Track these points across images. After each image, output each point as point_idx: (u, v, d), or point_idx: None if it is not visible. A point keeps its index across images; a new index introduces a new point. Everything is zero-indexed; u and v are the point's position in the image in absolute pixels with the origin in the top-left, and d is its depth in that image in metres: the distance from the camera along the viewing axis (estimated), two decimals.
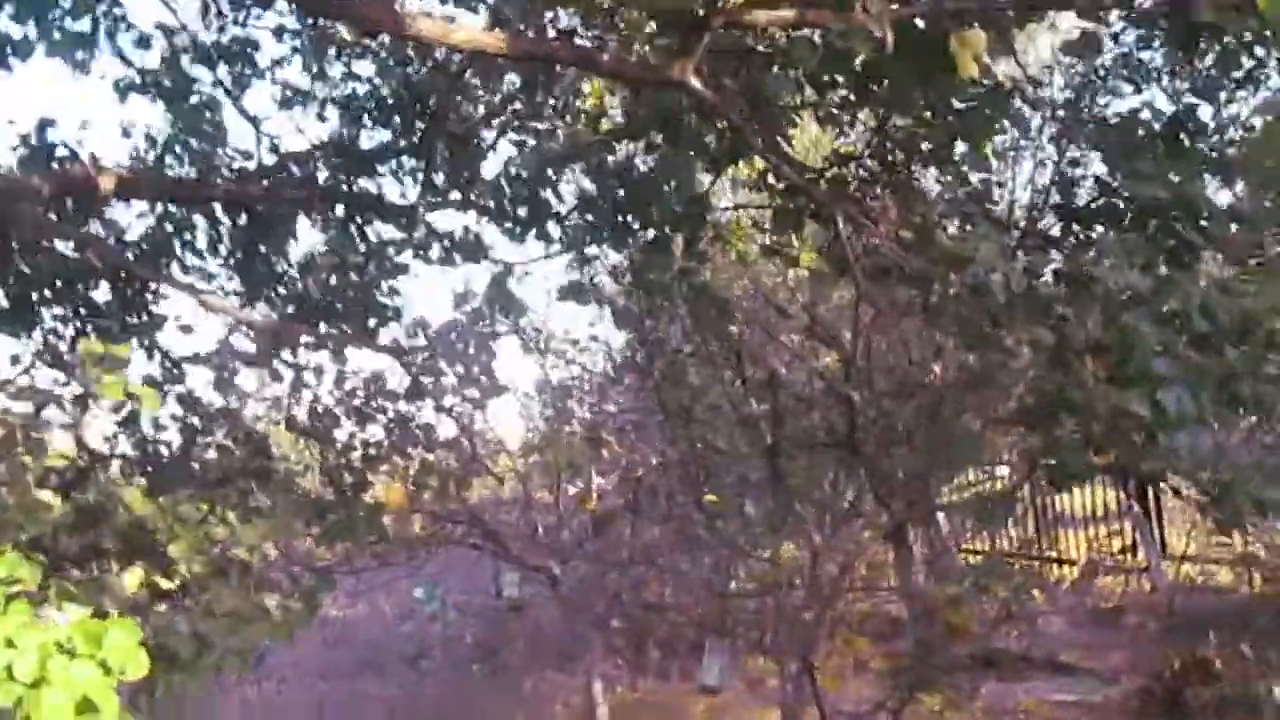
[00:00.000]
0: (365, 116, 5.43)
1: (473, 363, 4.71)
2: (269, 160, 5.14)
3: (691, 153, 4.72)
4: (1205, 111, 6.07)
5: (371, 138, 5.44)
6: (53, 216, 4.59)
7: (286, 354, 5.31)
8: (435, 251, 5.33)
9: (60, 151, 4.51)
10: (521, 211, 5.50)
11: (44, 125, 4.50)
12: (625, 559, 6.64)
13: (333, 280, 5.25)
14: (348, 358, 5.35)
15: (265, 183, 5.09)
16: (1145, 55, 7.41)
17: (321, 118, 5.50)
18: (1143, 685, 7.49)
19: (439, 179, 5.40)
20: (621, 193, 5.12)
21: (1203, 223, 2.36)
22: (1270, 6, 2.88)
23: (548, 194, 5.44)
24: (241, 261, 5.23)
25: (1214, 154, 2.52)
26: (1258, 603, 7.42)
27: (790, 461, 5.21)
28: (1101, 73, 7.51)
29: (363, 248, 5.27)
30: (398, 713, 8.52)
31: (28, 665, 2.08)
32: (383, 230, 5.36)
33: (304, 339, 5.20)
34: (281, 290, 5.35)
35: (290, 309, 5.29)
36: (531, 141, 5.59)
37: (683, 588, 7.04)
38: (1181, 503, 9.76)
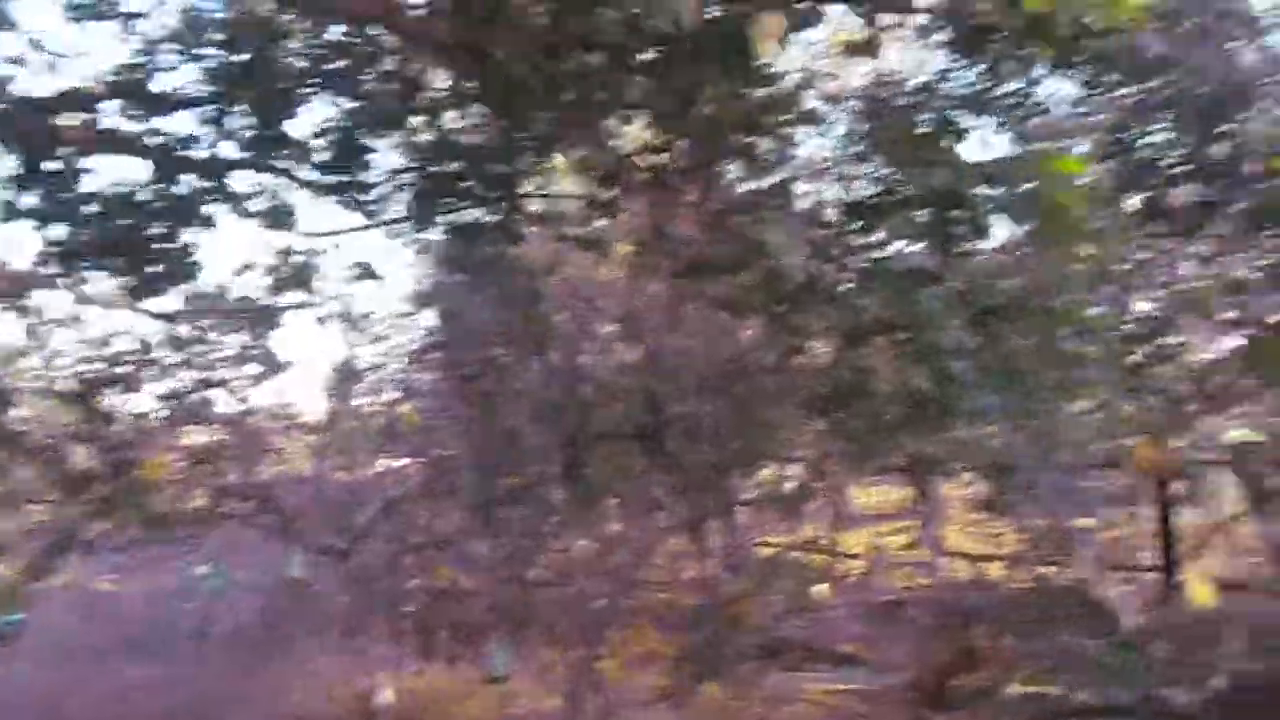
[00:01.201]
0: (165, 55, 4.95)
1: (255, 334, 4.39)
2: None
3: (515, 133, 4.59)
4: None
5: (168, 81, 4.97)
6: None
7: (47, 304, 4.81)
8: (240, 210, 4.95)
9: None
10: (330, 178, 5.21)
11: None
12: (418, 542, 6.41)
13: (119, 224, 4.76)
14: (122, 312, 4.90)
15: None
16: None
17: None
18: (915, 676, 7.90)
19: (245, 135, 5.01)
20: (439, 167, 4.92)
21: (974, 214, 2.46)
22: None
23: (360, 160, 5.19)
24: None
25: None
26: (1022, 597, 7.93)
27: (590, 452, 5.14)
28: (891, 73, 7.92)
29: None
30: (159, 696, 7.97)
31: None
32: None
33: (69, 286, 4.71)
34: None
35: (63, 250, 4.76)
36: (348, 105, 5.29)
37: (476, 574, 6.89)
38: (962, 502, 10.39)
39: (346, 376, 6.28)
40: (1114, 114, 8.96)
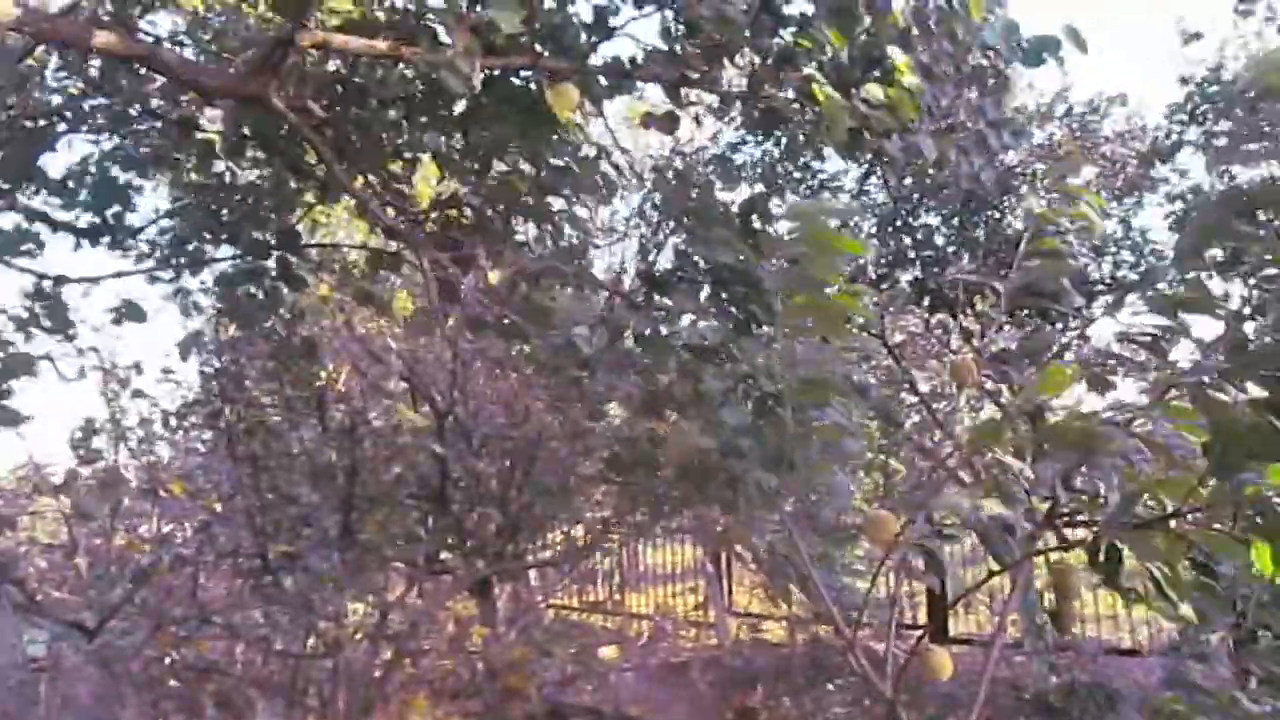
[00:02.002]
0: None
1: None
2: None
3: (292, 179, 4.47)
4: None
5: None
6: None
7: None
8: None
9: None
10: (90, 217, 4.92)
11: None
12: (180, 614, 5.98)
13: None
14: None
15: None
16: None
17: None
18: None
19: None
20: (213, 208, 4.73)
21: (762, 295, 2.57)
22: (826, 103, 3.27)
23: (125, 200, 4.93)
24: None
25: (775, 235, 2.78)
26: (799, 657, 8.21)
27: (366, 515, 4.98)
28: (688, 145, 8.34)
29: None
30: None
31: None
32: None
33: None
34: None
35: None
36: (109, 143, 5.01)
37: (244, 646, 6.49)
38: (745, 566, 10.71)
39: (104, 432, 5.83)
40: (892, 197, 9.71)
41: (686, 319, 3.35)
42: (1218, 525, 1.48)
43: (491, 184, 3.98)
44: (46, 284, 4.68)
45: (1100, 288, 9.25)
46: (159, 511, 6.72)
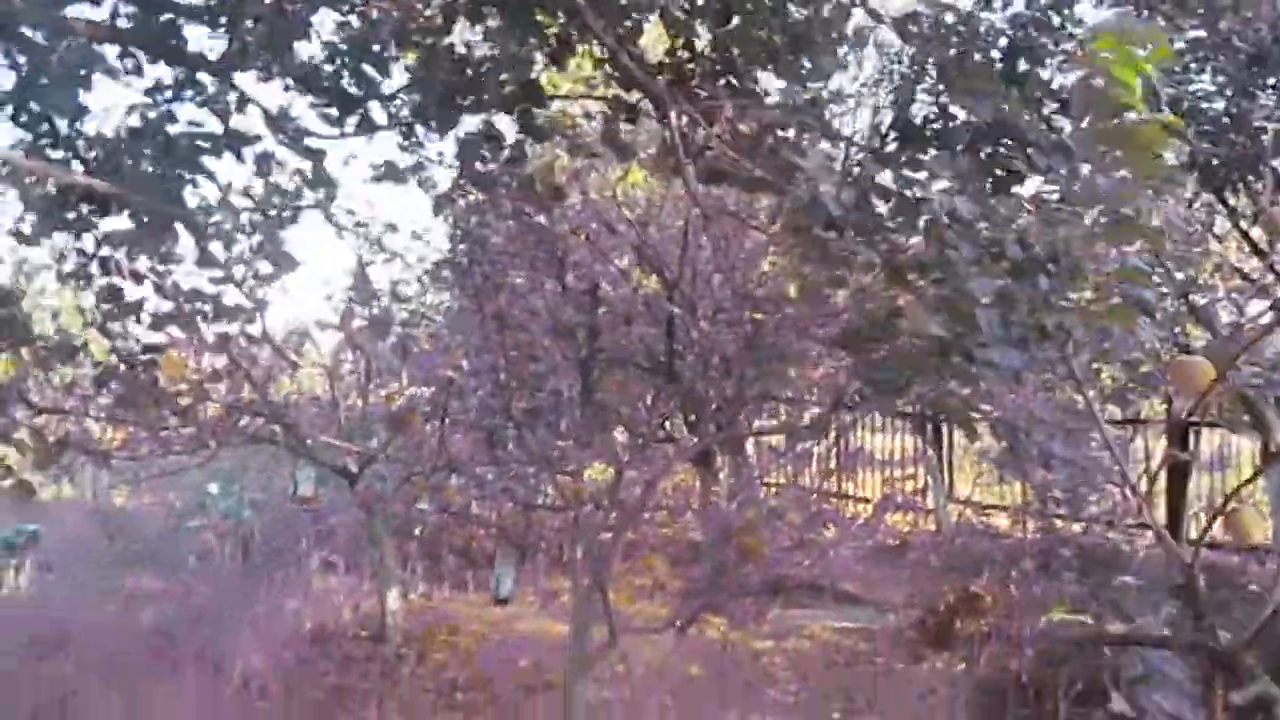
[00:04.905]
0: None
1: (268, 234, 4.33)
2: None
3: (530, 38, 4.47)
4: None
5: None
6: None
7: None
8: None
9: None
10: (344, 92, 5.12)
11: None
12: (428, 464, 6.41)
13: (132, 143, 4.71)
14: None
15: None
16: None
17: None
18: (919, 617, 7.94)
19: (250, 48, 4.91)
20: (453, 76, 4.82)
21: (1029, 151, 2.34)
22: None
23: (373, 75, 5.09)
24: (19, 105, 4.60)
25: (1049, 83, 2.52)
26: (1027, 547, 7.93)
27: (604, 377, 5.09)
28: None
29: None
30: (169, 609, 8.06)
31: None
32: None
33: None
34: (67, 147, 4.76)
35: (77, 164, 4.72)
36: (355, 21, 5.18)
37: (485, 497, 6.91)
38: (970, 452, 10.36)
39: (364, 293, 6.21)
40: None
41: (940, 183, 3.13)
42: None
43: (735, 34, 3.82)
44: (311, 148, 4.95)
45: None
46: (410, 368, 7.17)
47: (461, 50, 4.80)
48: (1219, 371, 1.71)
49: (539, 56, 4.53)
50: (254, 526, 9.32)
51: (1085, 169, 1.92)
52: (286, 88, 5.03)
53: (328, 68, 5.00)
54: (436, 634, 7.59)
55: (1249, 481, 2.91)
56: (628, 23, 4.05)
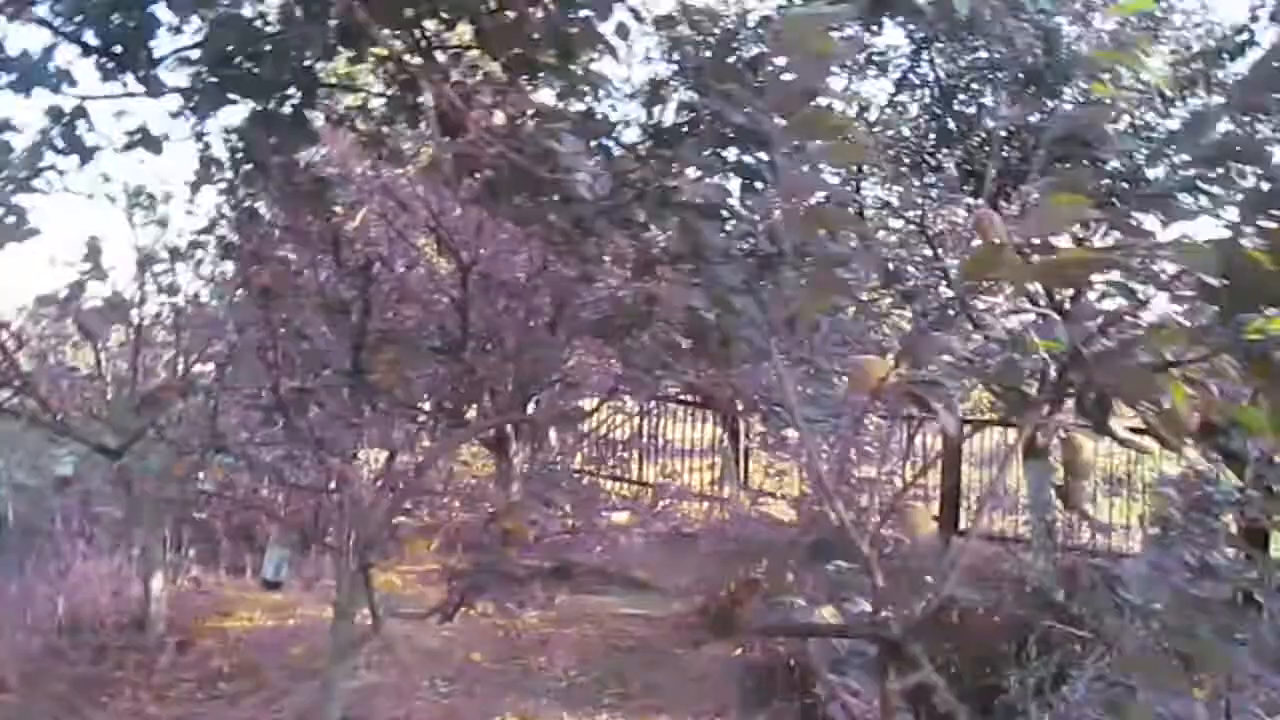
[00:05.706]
0: None
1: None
2: None
3: (325, 21, 4.29)
4: None
5: None
6: None
7: None
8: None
9: None
10: (114, 45, 4.76)
11: None
12: (198, 443, 6.07)
13: None
14: None
15: None
16: None
17: None
18: (702, 603, 8.19)
19: None
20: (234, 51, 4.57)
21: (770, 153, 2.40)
22: None
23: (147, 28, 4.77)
24: None
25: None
26: (804, 534, 8.29)
27: (375, 355, 4.95)
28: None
29: None
30: None
31: None
32: None
33: None
34: None
35: None
36: None
37: (255, 478, 6.63)
38: (761, 445, 10.73)
39: (96, 269, 5.78)
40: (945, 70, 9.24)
41: (690, 174, 3.20)
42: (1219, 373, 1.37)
43: (501, 28, 3.78)
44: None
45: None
46: (179, 342, 6.79)
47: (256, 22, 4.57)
48: (885, 372, 1.81)
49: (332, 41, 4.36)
50: (6, 508, 8.59)
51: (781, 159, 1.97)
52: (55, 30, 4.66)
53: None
54: (204, 620, 7.24)
55: (920, 475, 3.07)
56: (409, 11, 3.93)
